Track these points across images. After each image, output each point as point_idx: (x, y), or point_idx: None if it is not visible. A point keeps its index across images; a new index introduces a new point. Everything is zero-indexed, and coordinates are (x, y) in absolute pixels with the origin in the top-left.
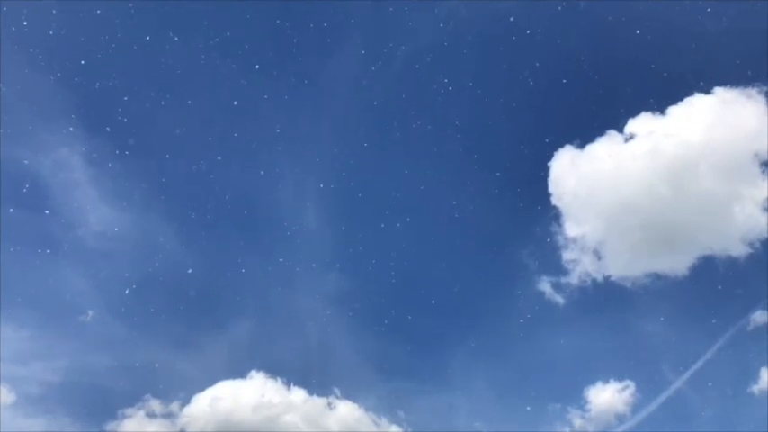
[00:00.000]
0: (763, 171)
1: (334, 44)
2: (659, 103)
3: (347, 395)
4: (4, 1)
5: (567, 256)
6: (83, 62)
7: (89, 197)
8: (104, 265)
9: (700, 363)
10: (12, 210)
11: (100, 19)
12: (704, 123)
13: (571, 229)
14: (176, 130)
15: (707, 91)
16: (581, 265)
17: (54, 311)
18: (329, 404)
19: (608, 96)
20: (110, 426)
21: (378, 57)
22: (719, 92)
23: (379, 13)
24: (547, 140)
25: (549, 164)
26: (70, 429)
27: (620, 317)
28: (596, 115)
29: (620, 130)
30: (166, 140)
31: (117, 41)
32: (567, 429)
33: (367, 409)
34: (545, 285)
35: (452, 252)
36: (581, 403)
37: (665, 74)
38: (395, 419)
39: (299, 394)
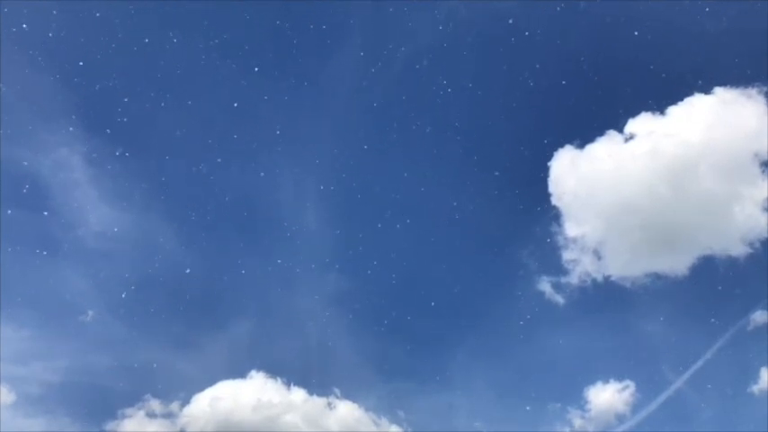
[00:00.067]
0: (763, 171)
1: (334, 45)
2: (659, 103)
3: (347, 395)
4: (5, 1)
5: (567, 256)
6: (82, 63)
7: (89, 197)
8: (104, 265)
9: (700, 363)
10: (11, 210)
11: (100, 19)
12: (704, 123)
13: (571, 229)
14: (176, 130)
15: (707, 91)
16: (581, 265)
17: (54, 311)
18: (329, 404)
19: (608, 96)
20: (110, 426)
21: (377, 58)
22: (719, 92)
23: (378, 13)
24: (547, 141)
25: (548, 164)
26: (70, 429)
27: (620, 317)
28: (596, 115)
29: (620, 130)
30: (166, 141)
31: (117, 42)
32: (567, 429)
33: (367, 409)
34: (545, 285)
35: (452, 253)
36: (581, 403)
37: (665, 74)
38: (395, 419)
39: (298, 394)
